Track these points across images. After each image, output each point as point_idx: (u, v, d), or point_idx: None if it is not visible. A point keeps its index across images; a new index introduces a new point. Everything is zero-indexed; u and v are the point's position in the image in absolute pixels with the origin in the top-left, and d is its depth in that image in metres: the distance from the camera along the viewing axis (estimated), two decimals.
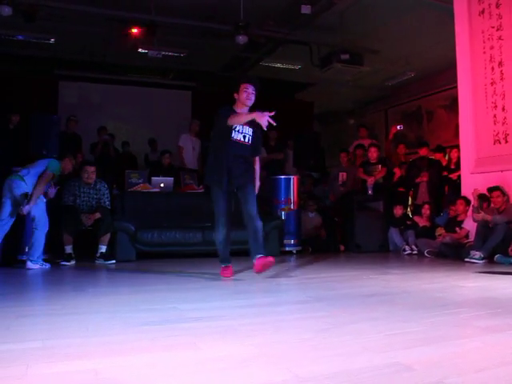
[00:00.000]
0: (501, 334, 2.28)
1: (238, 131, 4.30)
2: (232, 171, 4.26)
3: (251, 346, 2.05)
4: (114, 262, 5.92)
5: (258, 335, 2.26)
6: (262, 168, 4.90)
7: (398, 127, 9.29)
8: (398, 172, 8.72)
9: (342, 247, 8.00)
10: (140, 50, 9.62)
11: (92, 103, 11.83)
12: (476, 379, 1.64)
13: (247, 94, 4.32)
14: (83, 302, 3.23)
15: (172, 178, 7.76)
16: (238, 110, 4.35)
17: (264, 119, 4.02)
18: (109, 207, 6.27)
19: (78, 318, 2.67)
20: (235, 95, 4.39)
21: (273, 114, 4.07)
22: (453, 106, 10.16)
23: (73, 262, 5.74)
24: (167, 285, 4.09)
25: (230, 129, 4.26)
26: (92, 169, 6.18)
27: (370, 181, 7.95)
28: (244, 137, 4.34)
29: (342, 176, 8.63)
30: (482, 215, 5.99)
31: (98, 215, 5.98)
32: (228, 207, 4.40)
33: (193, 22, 8.85)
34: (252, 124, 4.30)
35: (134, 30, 8.56)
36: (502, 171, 6.43)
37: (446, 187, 8.33)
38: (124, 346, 2.07)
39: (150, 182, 7.38)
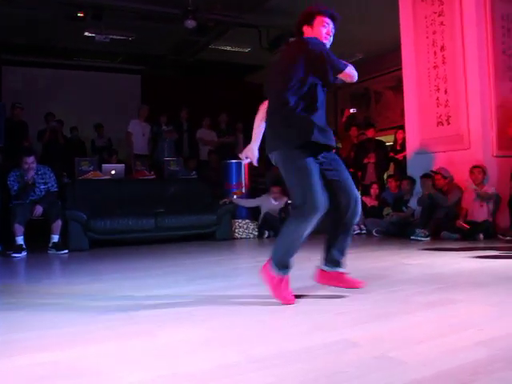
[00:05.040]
0: (440, 308, 2.45)
1: None
2: None
3: (207, 331, 2.15)
4: (66, 251, 5.86)
5: (213, 319, 2.36)
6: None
7: (351, 110, 9.46)
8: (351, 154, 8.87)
9: None
10: (86, 33, 9.43)
11: (38, 89, 11.52)
12: (415, 351, 1.80)
13: (327, 31, 3.01)
14: (38, 294, 3.23)
15: (123, 165, 7.71)
16: None
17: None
18: (56, 189, 6.17)
19: (35, 310, 2.69)
20: (305, 29, 3.03)
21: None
22: (399, 87, 10.38)
23: (24, 254, 5.65)
24: (122, 273, 4.12)
25: None
26: (31, 159, 5.94)
27: None
28: None
29: None
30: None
31: (40, 209, 5.91)
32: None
33: (141, 6, 8.72)
34: None
35: (80, 15, 8.36)
36: (445, 151, 6.71)
37: (392, 167, 8.63)
38: (83, 336, 2.13)
39: (100, 169, 7.31)
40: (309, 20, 3.02)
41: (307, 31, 3.02)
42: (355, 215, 2.91)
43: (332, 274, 2.95)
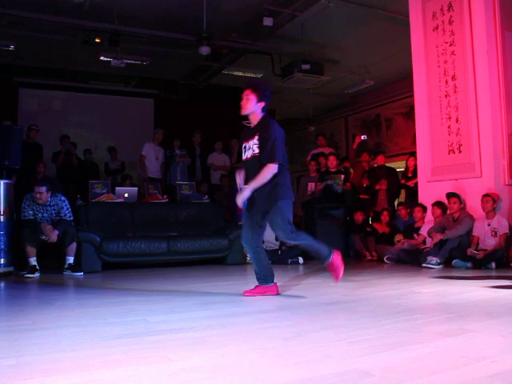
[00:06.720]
0: (452, 338, 2.45)
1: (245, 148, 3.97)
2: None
3: (221, 357, 2.16)
4: (81, 273, 5.90)
5: (227, 346, 2.37)
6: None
7: (363, 137, 9.49)
8: (365, 181, 8.86)
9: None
10: (102, 57, 9.62)
11: (53, 111, 11.74)
12: (429, 383, 1.79)
13: (241, 102, 3.91)
14: (52, 316, 3.26)
15: (136, 188, 7.79)
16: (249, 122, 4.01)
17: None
18: (70, 218, 6.19)
19: (50, 332, 2.72)
20: None
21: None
22: (410, 113, 10.51)
23: (37, 275, 5.70)
24: (135, 296, 4.14)
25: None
26: (43, 189, 5.96)
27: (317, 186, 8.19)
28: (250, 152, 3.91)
29: (311, 186, 8.60)
30: (437, 237, 6.30)
31: (56, 232, 5.94)
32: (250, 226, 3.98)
33: (156, 32, 8.92)
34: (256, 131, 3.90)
35: (97, 40, 8.55)
36: (456, 180, 6.72)
37: (403, 194, 8.64)
38: (97, 359, 2.15)
39: (113, 191, 7.38)
40: None
41: None
42: None
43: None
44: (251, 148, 3.86)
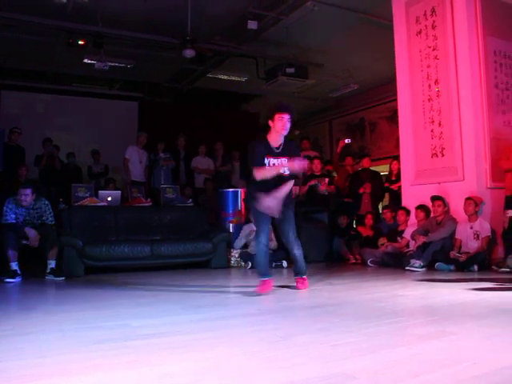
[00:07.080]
0: (435, 340, 2.46)
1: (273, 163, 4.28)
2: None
3: (205, 361, 2.15)
4: (64, 278, 5.83)
5: (211, 349, 2.36)
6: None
7: (346, 141, 9.50)
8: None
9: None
10: (86, 60, 9.54)
11: (36, 113, 11.61)
12: None
13: (283, 123, 4.21)
14: (34, 321, 3.22)
15: (119, 192, 7.73)
16: (272, 139, 4.29)
17: (297, 165, 4.15)
18: (52, 222, 6.11)
19: (30, 338, 2.68)
20: (269, 123, 4.29)
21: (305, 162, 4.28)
22: (394, 117, 10.57)
23: (19, 279, 5.62)
24: (118, 300, 4.11)
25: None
26: (28, 191, 5.89)
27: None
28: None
29: (295, 189, 8.54)
30: (420, 240, 6.33)
31: (38, 236, 5.89)
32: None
33: (140, 35, 8.88)
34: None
35: (81, 43, 8.48)
36: (439, 183, 6.78)
37: (387, 197, 8.68)
38: (79, 365, 2.12)
39: (97, 195, 7.32)
40: (271, 116, 4.24)
41: (271, 124, 4.25)
42: None
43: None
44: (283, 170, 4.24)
